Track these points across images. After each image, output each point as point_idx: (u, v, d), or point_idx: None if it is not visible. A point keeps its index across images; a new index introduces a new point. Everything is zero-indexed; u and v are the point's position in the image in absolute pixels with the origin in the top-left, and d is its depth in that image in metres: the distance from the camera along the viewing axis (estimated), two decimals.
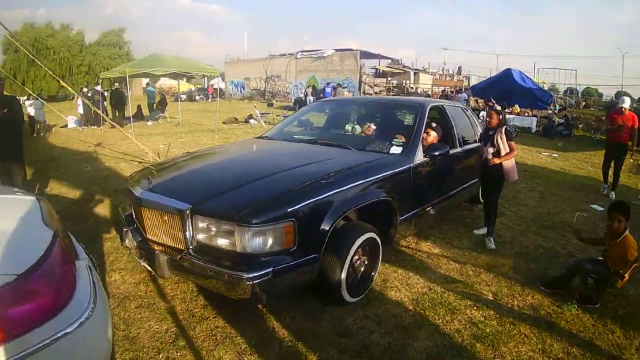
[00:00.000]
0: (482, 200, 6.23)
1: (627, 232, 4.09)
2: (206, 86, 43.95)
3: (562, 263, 5.03)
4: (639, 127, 8.52)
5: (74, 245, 2.55)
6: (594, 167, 11.72)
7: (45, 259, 1.92)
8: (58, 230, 2.30)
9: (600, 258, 4.47)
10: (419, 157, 4.61)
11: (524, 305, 4.11)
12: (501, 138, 5.27)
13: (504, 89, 23.67)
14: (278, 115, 21.21)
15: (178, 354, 3.13)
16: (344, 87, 28.41)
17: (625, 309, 4.09)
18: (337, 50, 38.27)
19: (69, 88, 11.22)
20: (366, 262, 3.99)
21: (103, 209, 6.49)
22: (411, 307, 3.93)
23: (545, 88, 27.79)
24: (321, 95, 25.86)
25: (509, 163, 5.39)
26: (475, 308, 3.99)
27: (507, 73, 24.03)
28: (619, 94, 21.75)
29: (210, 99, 39.59)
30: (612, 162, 8.76)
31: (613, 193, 8.53)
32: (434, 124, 5.59)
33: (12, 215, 2.28)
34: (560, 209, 7.57)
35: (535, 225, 6.49)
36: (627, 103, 8.67)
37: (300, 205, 3.27)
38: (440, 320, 3.75)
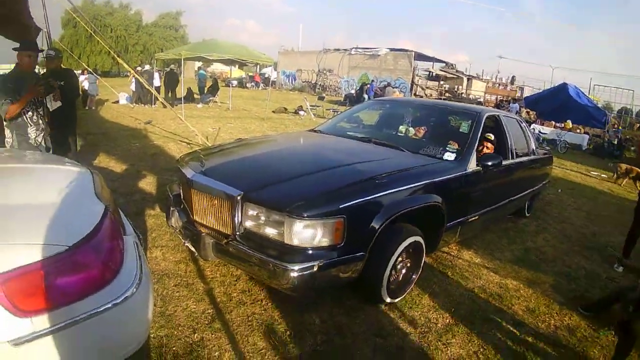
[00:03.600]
0: None
1: None
2: (257, 74, 44.29)
3: (602, 287, 4.91)
4: None
5: (122, 220, 2.59)
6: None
7: (96, 232, 1.96)
8: (109, 204, 2.34)
9: None
10: (472, 165, 4.55)
11: (560, 325, 4.04)
12: None
13: (558, 103, 23.20)
14: (328, 109, 21.22)
15: (213, 335, 3.17)
16: (394, 87, 28.22)
17: None
18: (391, 49, 37.98)
19: (125, 65, 11.46)
20: (409, 264, 3.97)
21: (149, 186, 6.62)
22: (447, 314, 3.90)
23: (599, 105, 27.00)
24: (364, 96, 25.87)
25: None
26: (511, 323, 3.94)
27: (563, 87, 23.51)
28: None
29: (259, 87, 39.87)
30: None
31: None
32: (491, 136, 5.52)
33: (66, 187, 2.33)
34: (606, 231, 7.39)
35: (579, 246, 6.34)
36: None
37: (352, 202, 3.28)
38: (476, 331, 3.71)
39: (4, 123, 4.54)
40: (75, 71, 9.24)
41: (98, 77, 17.48)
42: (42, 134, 4.72)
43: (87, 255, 1.89)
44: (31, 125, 4.62)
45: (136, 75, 13.21)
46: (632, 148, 22.32)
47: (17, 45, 4.65)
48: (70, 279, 1.81)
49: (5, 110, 4.39)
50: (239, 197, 3.25)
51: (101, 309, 1.84)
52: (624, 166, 13.07)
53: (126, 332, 2.09)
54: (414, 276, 4.12)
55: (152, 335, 3.06)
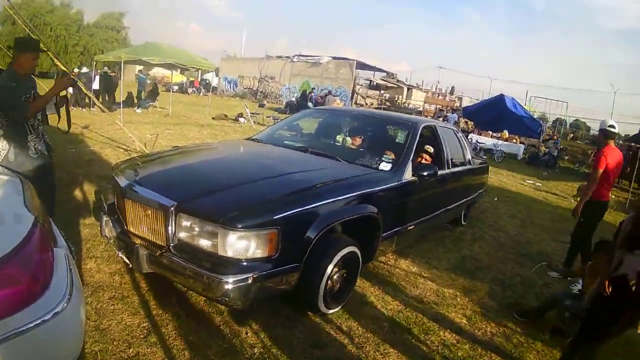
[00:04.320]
0: None
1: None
2: (199, 79, 43.80)
3: (537, 293, 5.08)
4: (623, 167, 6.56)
5: (53, 232, 2.50)
6: (576, 200, 11.80)
7: (24, 245, 1.88)
8: (39, 214, 2.25)
9: (576, 292, 4.53)
10: (407, 175, 4.61)
11: (497, 332, 4.14)
12: None
13: (495, 114, 23.97)
14: (268, 117, 21.17)
15: (149, 350, 3.09)
16: (335, 95, 28.45)
17: None
18: (333, 57, 38.39)
19: (62, 66, 11.06)
20: (345, 275, 3.97)
21: (84, 194, 6.40)
22: (385, 324, 3.93)
23: (535, 116, 28.04)
24: (303, 103, 25.97)
25: None
26: (449, 331, 4.01)
27: (500, 99, 24.27)
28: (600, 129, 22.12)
29: (200, 93, 39.41)
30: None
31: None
32: (430, 148, 5.63)
33: None
34: (540, 238, 7.67)
35: (513, 253, 6.54)
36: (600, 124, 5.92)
37: (287, 213, 3.26)
38: (414, 340, 3.76)
39: (0, 133, 4.00)
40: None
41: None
42: (42, 141, 4.27)
43: (15, 270, 1.80)
44: (31, 133, 4.13)
45: (74, 78, 12.78)
46: (566, 157, 23.27)
47: None
48: None
49: (26, 109, 3.95)
50: (172, 208, 3.19)
51: (30, 326, 1.76)
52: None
53: (57, 348, 2.00)
54: (350, 287, 4.13)
55: (86, 351, 2.94)
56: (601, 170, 5.43)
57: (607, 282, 3.17)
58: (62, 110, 4.61)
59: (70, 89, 17.14)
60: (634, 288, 3.04)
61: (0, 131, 3.91)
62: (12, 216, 2.11)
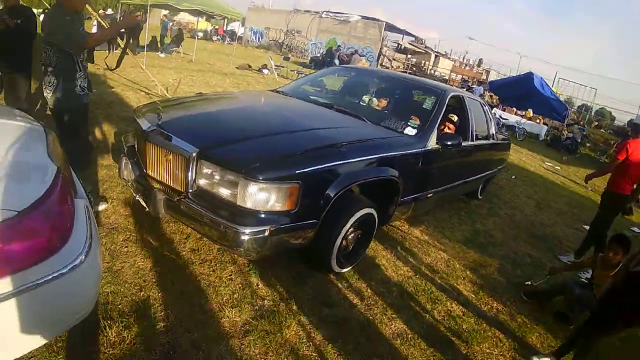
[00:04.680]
0: None
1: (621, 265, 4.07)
2: (225, 28, 43.34)
3: (546, 276, 5.05)
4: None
5: (74, 182, 2.47)
6: (593, 189, 11.70)
7: (47, 196, 1.85)
8: (61, 164, 2.22)
9: (585, 281, 4.50)
10: (432, 142, 4.54)
11: (502, 310, 4.15)
12: None
13: (522, 92, 23.48)
14: (293, 70, 20.99)
15: (159, 294, 3.11)
16: (362, 55, 28.09)
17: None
18: (362, 17, 37.73)
19: (88, 7, 10.98)
20: (360, 236, 3.97)
21: (104, 135, 6.40)
22: (394, 289, 3.95)
23: (562, 99, 27.54)
24: (327, 59, 25.69)
25: None
26: (455, 302, 4.02)
27: (529, 77, 23.72)
28: (631, 122, 21.44)
29: (225, 41, 39.07)
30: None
31: (572, 256, 5.98)
32: (454, 117, 5.54)
33: (18, 145, 2.18)
34: (553, 222, 7.61)
35: (526, 233, 6.51)
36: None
37: (309, 169, 3.23)
38: (421, 308, 3.78)
39: (50, 69, 3.81)
40: (35, 10, 8.73)
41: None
42: (86, 79, 4.14)
43: (37, 222, 1.78)
44: (80, 70, 3.99)
45: (99, 19, 12.72)
46: (588, 145, 22.93)
47: None
48: (18, 246, 1.70)
49: (84, 39, 3.83)
50: (194, 154, 3.16)
51: (49, 278, 1.76)
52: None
53: (74, 300, 2.00)
54: (364, 248, 4.14)
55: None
56: (619, 160, 5.31)
57: (624, 275, 3.19)
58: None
59: (95, 30, 17.21)
60: None
61: (50, 67, 3.81)
62: (35, 166, 2.06)
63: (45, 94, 3.90)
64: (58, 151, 2.42)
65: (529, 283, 4.67)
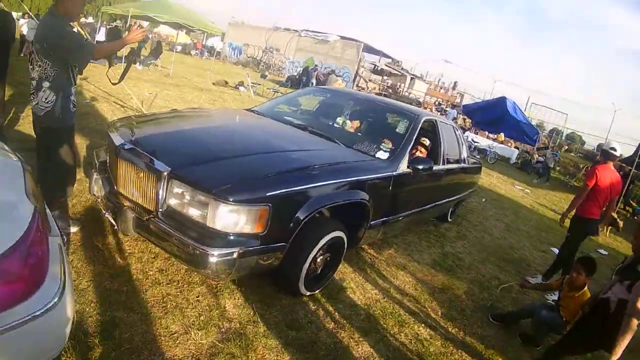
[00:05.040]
0: None
1: (586, 287, 4.16)
2: (204, 42, 43.26)
3: (513, 298, 5.13)
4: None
5: (48, 220, 2.43)
6: (562, 211, 11.90)
7: (25, 239, 1.80)
8: (38, 203, 2.16)
9: (551, 303, 4.59)
10: (403, 166, 4.60)
11: (470, 332, 4.20)
12: None
13: (495, 115, 23.93)
14: (269, 89, 21.02)
15: (125, 315, 3.08)
16: (338, 75, 28.28)
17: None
18: (341, 37, 38.08)
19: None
20: (328, 259, 3.99)
21: (75, 148, 6.30)
22: (362, 312, 3.97)
23: (533, 123, 28.08)
24: (303, 78, 25.83)
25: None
26: (423, 325, 4.06)
27: (502, 101, 24.19)
28: (600, 147, 22.02)
29: (204, 56, 39.01)
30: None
31: (540, 278, 6.13)
32: (426, 141, 5.61)
33: None
34: (522, 245, 7.74)
35: (495, 256, 6.60)
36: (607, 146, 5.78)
37: (280, 191, 3.24)
38: (388, 331, 3.80)
39: (45, 84, 3.58)
40: (15, 14, 8.64)
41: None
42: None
43: (15, 266, 1.74)
44: (74, 84, 3.82)
45: (78, 28, 12.61)
46: (558, 168, 23.36)
47: None
48: None
49: (91, 51, 3.63)
50: (165, 173, 3.15)
51: (24, 320, 1.72)
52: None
53: (47, 340, 1.96)
54: (332, 271, 4.16)
55: None
56: (589, 186, 5.39)
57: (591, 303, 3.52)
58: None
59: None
60: (612, 310, 3.24)
61: (47, 82, 3.59)
62: (14, 206, 2.00)
63: (36, 111, 3.67)
64: (34, 188, 2.35)
65: (513, 284, 4.76)
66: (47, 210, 2.48)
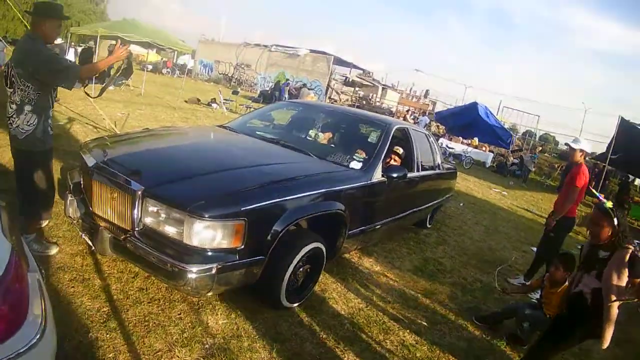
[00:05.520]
0: None
1: (566, 282, 4.22)
2: (174, 61, 43.10)
3: (496, 299, 5.17)
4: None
5: (26, 256, 2.39)
6: (540, 211, 12.09)
7: (4, 279, 1.77)
8: (14, 241, 2.11)
9: (535, 301, 4.65)
10: (377, 175, 4.63)
11: (456, 335, 4.23)
12: (620, 273, 3.02)
13: (467, 121, 24.25)
14: (241, 105, 20.99)
15: (107, 336, 3.04)
16: (310, 89, 28.38)
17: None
18: (311, 50, 38.31)
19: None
20: (308, 270, 3.99)
21: None
22: (346, 321, 3.97)
23: (506, 127, 28.47)
24: (276, 93, 25.88)
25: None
26: (408, 331, 4.07)
27: (473, 106, 24.52)
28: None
29: (175, 75, 38.83)
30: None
31: (522, 278, 6.14)
32: (399, 149, 5.65)
33: None
34: (502, 246, 7.81)
35: (475, 259, 6.65)
36: (575, 143, 5.56)
37: (255, 205, 3.25)
38: (373, 339, 3.81)
39: (27, 107, 3.58)
40: None
41: (6, 45, 16.20)
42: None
43: None
44: (52, 106, 3.83)
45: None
46: (533, 169, 23.69)
47: None
48: None
49: (77, 73, 3.66)
50: (139, 192, 3.15)
51: (7, 359, 1.68)
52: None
53: None
54: (313, 282, 4.16)
55: None
56: (580, 188, 5.40)
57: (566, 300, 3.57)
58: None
59: None
60: (589, 301, 3.25)
61: (28, 106, 3.59)
62: None
63: (16, 134, 3.63)
64: (8, 225, 2.31)
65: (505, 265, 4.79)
66: (24, 246, 2.44)
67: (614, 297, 2.99)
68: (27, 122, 3.61)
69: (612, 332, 3.08)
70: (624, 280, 3.00)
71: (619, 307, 3.06)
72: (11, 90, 3.62)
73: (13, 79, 3.59)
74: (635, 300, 3.05)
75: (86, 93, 4.67)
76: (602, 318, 3.07)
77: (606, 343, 3.09)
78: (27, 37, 3.68)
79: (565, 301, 3.60)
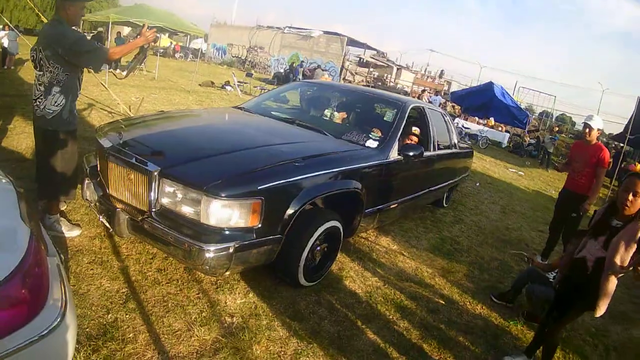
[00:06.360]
0: None
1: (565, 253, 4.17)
2: (188, 45, 43.00)
3: (514, 278, 5.14)
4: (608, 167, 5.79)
5: (45, 241, 2.41)
6: (557, 191, 11.96)
7: (24, 263, 1.80)
8: (34, 225, 2.15)
9: (551, 280, 4.60)
10: (393, 154, 4.61)
11: (473, 314, 4.22)
12: (629, 246, 2.99)
13: (483, 101, 24.05)
14: (255, 87, 20.97)
15: (127, 316, 3.07)
16: (324, 70, 28.27)
17: (568, 332, 4.20)
18: (325, 32, 38.02)
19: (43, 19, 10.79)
20: (326, 249, 3.99)
21: None
22: (364, 299, 3.97)
23: (522, 107, 28.16)
24: (291, 76, 25.80)
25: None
26: (425, 309, 4.07)
27: (489, 86, 24.30)
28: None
29: (188, 58, 38.77)
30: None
31: (539, 258, 5.95)
32: (417, 130, 5.61)
33: None
34: (519, 226, 7.76)
35: (492, 238, 6.62)
36: (595, 122, 5.41)
37: (271, 184, 3.24)
38: (391, 317, 3.81)
39: (56, 89, 3.68)
40: None
41: (19, 34, 16.28)
42: None
43: (17, 290, 1.73)
44: (79, 89, 3.95)
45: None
46: (550, 150, 23.48)
47: None
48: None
49: (105, 54, 3.76)
50: (156, 173, 3.15)
51: (28, 342, 1.71)
52: None
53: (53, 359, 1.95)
54: (330, 260, 4.16)
55: None
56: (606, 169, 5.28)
57: (569, 262, 3.49)
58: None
59: None
60: (589, 270, 3.22)
61: (57, 87, 3.69)
62: (10, 231, 1.98)
63: (43, 114, 3.72)
64: (27, 210, 2.35)
65: (524, 254, 4.76)
66: (43, 230, 2.46)
67: (615, 267, 2.95)
68: (55, 102, 3.70)
69: (607, 304, 3.06)
70: (629, 254, 2.94)
71: (617, 280, 3.03)
72: (40, 72, 3.70)
73: (41, 61, 3.67)
74: (632, 271, 2.96)
75: (114, 75, 4.74)
76: (599, 288, 3.04)
77: (600, 313, 3.08)
78: (53, 20, 3.73)
79: (567, 265, 3.54)
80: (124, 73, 4.72)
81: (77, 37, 3.66)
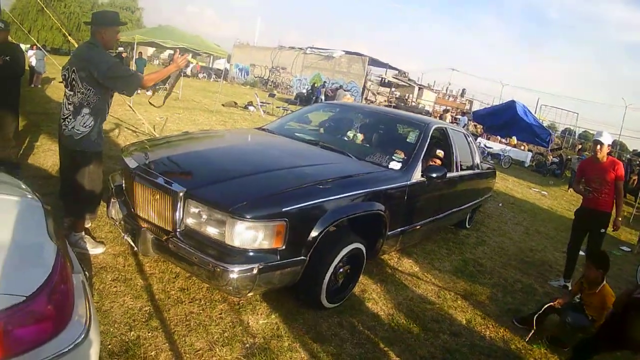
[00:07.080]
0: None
1: (604, 282, 4.12)
2: (211, 66, 43.54)
3: (538, 301, 5.06)
4: (625, 180, 6.08)
5: (70, 259, 2.46)
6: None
7: (51, 279, 1.83)
8: (59, 243, 2.19)
9: (577, 301, 4.53)
10: (417, 176, 4.60)
11: (495, 337, 4.16)
12: None
13: (505, 120, 23.92)
14: (278, 107, 21.13)
15: (149, 334, 3.09)
16: (346, 90, 28.41)
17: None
18: (346, 52, 38.33)
19: (75, 43, 11.02)
20: (349, 270, 3.98)
21: None
22: (386, 322, 3.94)
23: (545, 125, 27.92)
24: (312, 97, 25.96)
25: None
26: (448, 332, 4.02)
27: (511, 105, 24.18)
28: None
29: (211, 79, 39.21)
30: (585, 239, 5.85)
31: (562, 280, 5.98)
32: (441, 153, 5.61)
33: (20, 225, 2.14)
34: (542, 247, 7.67)
35: (516, 260, 6.54)
36: (605, 138, 5.43)
37: (296, 206, 3.26)
38: (413, 340, 3.77)
39: (85, 110, 3.76)
40: (23, 45, 8.81)
41: (46, 53, 16.66)
42: None
43: (43, 305, 1.77)
44: (108, 111, 4.04)
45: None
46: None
47: None
48: (25, 330, 1.69)
49: (139, 80, 3.84)
50: (181, 194, 3.19)
51: (52, 358, 1.73)
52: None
53: None
54: (353, 282, 4.14)
55: None
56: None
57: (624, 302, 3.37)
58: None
59: None
60: None
61: (86, 108, 3.77)
62: (37, 247, 2.05)
63: (71, 134, 3.79)
64: (54, 227, 2.38)
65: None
66: (68, 247, 2.51)
67: None
68: (84, 123, 3.77)
69: None
70: None
71: None
72: (71, 92, 3.77)
73: (74, 82, 3.74)
74: None
75: (151, 103, 4.87)
76: None
77: None
78: (89, 43, 3.84)
79: (621, 302, 3.45)
80: (162, 100, 4.80)
81: (113, 62, 3.74)
